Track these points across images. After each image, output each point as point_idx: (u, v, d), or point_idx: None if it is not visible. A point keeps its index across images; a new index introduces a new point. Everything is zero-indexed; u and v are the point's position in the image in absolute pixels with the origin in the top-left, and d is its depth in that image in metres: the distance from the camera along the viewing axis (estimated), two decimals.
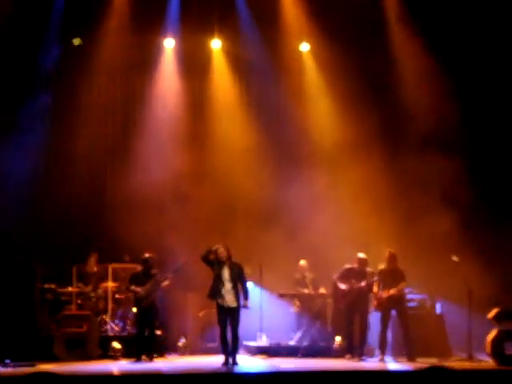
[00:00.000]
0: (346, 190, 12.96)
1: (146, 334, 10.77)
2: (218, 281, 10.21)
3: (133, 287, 10.82)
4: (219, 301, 10.18)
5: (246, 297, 10.30)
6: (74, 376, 8.69)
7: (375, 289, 11.01)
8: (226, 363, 10.15)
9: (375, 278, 10.96)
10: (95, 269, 12.02)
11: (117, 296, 12.04)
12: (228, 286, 10.18)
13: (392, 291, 10.85)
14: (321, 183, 13.03)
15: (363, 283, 10.91)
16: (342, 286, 11.06)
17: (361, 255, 11.08)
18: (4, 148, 12.49)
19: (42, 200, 12.36)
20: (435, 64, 12.98)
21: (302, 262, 12.14)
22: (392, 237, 11.99)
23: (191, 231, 12.89)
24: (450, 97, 12.91)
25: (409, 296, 11.69)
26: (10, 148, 12.52)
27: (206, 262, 10.37)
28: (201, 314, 12.08)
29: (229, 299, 10.16)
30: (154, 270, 10.97)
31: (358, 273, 11.03)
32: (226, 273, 10.22)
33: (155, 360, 10.76)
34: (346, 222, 12.56)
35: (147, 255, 11.00)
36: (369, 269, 11.06)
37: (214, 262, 10.26)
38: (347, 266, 11.16)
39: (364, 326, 11.00)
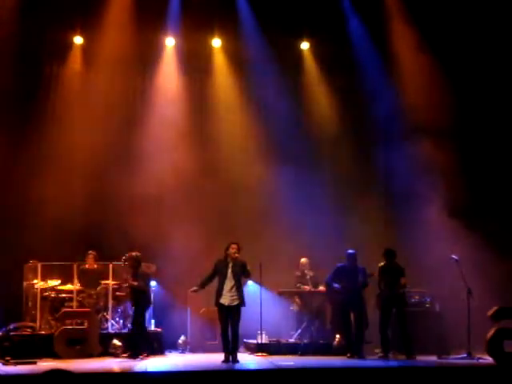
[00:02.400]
0: (346, 187, 12.98)
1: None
2: (219, 279, 10.25)
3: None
4: (220, 299, 10.20)
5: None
6: (91, 374, 8.74)
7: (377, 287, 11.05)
8: (226, 360, 10.17)
9: (369, 278, 11.00)
10: (95, 266, 12.07)
11: (117, 293, 12.07)
12: (229, 284, 10.20)
13: (398, 289, 10.83)
14: (321, 180, 13.06)
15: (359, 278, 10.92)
16: (336, 285, 11.06)
17: (350, 251, 11.09)
18: (4, 145, 12.57)
19: (43, 198, 12.36)
20: (432, 58, 13.01)
21: (303, 260, 12.18)
22: (390, 234, 12.03)
23: (191, 229, 12.92)
24: (446, 89, 12.93)
25: (409, 294, 11.71)
26: (11, 145, 12.60)
27: (209, 282, 10.41)
28: (201, 312, 12.12)
29: (229, 298, 10.17)
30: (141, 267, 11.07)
31: (349, 270, 11.03)
32: (228, 271, 10.24)
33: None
34: (345, 220, 12.58)
35: (134, 253, 11.07)
36: (359, 265, 11.07)
37: (216, 266, 10.29)
38: (338, 264, 11.17)
39: (361, 324, 11.01)
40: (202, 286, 10.41)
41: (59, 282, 11.83)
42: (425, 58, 13.05)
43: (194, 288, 10.47)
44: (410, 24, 13.17)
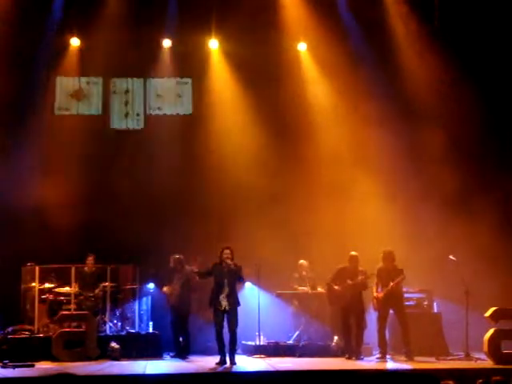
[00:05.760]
0: (347, 188, 12.95)
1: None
2: (216, 284, 10.25)
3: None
4: (217, 304, 10.19)
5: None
6: (94, 377, 8.74)
7: (373, 288, 11.05)
8: (221, 362, 10.16)
9: (369, 280, 11.00)
10: (93, 269, 12.07)
11: (115, 296, 12.07)
12: (226, 289, 10.20)
13: (392, 284, 10.83)
14: (321, 181, 13.04)
15: (359, 278, 10.92)
16: (336, 288, 11.09)
17: (352, 253, 11.10)
18: (4, 147, 12.58)
19: (41, 200, 12.35)
20: (439, 50, 13.01)
21: (302, 262, 12.17)
22: (390, 234, 12.03)
23: (190, 230, 12.93)
24: (452, 77, 12.94)
25: (406, 295, 11.70)
26: (11, 146, 12.61)
27: (205, 277, 10.60)
28: (200, 314, 12.09)
29: (226, 302, 10.17)
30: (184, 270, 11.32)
31: (350, 272, 11.04)
32: (225, 277, 10.23)
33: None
34: (344, 221, 12.57)
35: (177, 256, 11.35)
36: (361, 268, 11.08)
37: (213, 271, 10.31)
38: (339, 266, 11.18)
39: (360, 326, 11.01)
40: (200, 274, 10.80)
41: (53, 285, 11.80)
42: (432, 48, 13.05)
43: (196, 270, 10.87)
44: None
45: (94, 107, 13.62)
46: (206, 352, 11.57)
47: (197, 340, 11.88)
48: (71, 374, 5.79)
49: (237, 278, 10.29)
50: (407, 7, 13.23)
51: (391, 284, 10.83)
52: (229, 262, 10.21)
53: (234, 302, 10.22)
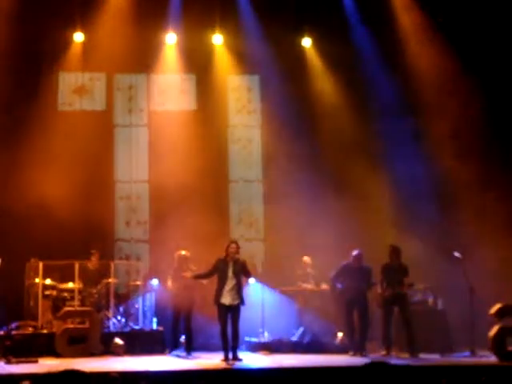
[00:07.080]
0: (351, 184, 12.92)
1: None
2: (220, 279, 10.22)
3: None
4: (221, 299, 10.17)
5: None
6: (100, 373, 8.72)
7: (378, 285, 11.01)
8: (225, 359, 10.15)
9: (374, 281, 10.98)
10: (97, 266, 12.05)
11: (119, 292, 12.05)
12: (230, 284, 10.18)
13: (402, 288, 10.82)
14: (326, 176, 13.02)
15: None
16: (339, 286, 11.07)
17: (355, 251, 11.08)
18: (6, 145, 12.58)
19: (45, 196, 12.34)
20: (446, 46, 12.96)
21: (306, 258, 12.15)
22: (393, 230, 12.00)
23: (190, 228, 12.92)
24: (456, 71, 12.90)
25: (411, 292, 11.67)
26: (13, 144, 12.61)
27: (201, 278, 10.58)
28: (203, 311, 12.06)
29: (230, 297, 10.15)
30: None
31: (354, 269, 11.02)
32: (229, 271, 10.21)
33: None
34: (347, 219, 12.54)
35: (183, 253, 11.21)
36: (365, 264, 11.05)
37: (217, 266, 10.27)
38: (343, 262, 11.16)
39: (364, 323, 10.99)
40: (197, 277, 10.56)
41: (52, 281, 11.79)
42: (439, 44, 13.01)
43: (189, 274, 10.57)
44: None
45: (97, 103, 13.62)
46: (209, 349, 11.54)
47: (200, 337, 11.87)
48: (78, 371, 5.76)
49: (242, 273, 10.27)
50: (411, 1, 13.21)
51: (403, 286, 10.79)
52: (235, 255, 10.18)
53: (239, 297, 10.20)
